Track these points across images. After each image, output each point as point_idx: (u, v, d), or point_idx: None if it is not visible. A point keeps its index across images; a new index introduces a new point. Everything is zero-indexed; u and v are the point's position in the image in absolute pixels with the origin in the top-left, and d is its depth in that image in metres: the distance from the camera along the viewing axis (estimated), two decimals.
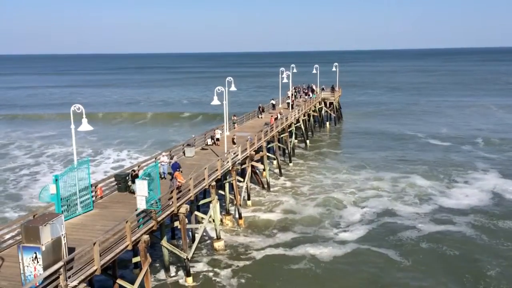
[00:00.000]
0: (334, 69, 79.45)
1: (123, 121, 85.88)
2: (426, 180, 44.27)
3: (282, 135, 50.41)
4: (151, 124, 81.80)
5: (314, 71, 75.28)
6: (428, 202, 38.56)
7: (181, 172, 27.34)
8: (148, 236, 21.10)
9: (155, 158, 32.42)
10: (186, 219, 25.36)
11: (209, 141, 40.45)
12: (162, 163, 29.78)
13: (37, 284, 15.14)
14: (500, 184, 42.84)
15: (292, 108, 58.30)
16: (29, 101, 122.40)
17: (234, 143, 39.39)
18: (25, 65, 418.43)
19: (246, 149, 36.89)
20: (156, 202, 21.59)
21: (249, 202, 38.12)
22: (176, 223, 26.70)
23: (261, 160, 42.53)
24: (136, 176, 25.50)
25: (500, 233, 32.16)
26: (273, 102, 63.80)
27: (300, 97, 73.05)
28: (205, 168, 28.60)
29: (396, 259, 28.49)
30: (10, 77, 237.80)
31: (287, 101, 62.97)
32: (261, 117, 56.55)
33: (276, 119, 49.96)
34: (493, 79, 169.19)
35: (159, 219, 22.41)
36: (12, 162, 55.36)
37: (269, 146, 45.33)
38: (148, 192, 21.15)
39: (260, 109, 59.01)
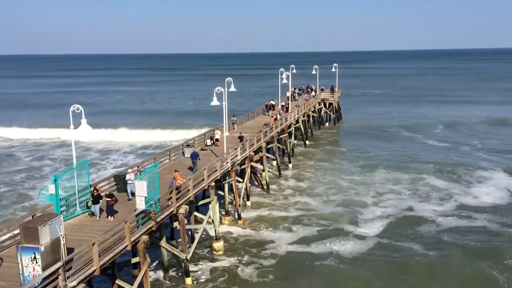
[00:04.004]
0: (333, 69, 79.44)
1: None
2: (436, 178, 44.67)
3: (281, 136, 50.45)
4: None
5: (314, 72, 75.31)
6: (444, 199, 39.11)
7: (199, 159, 31.90)
8: (147, 236, 21.10)
9: (154, 159, 32.44)
10: (186, 220, 25.37)
11: (209, 142, 40.47)
12: (129, 182, 25.86)
13: (36, 285, 15.13)
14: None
15: (287, 110, 58.46)
16: (31, 101, 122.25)
17: (241, 140, 39.35)
18: (19, 66, 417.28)
19: (245, 149, 36.89)
20: (155, 203, 21.58)
21: (248, 203, 38.11)
22: (176, 224, 26.69)
23: (260, 161, 42.52)
24: (99, 196, 22.63)
25: None
26: (273, 102, 63.80)
27: (308, 94, 73.47)
28: (204, 169, 28.60)
29: (419, 252, 29.10)
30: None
31: (281, 103, 63.04)
32: (268, 115, 57.20)
33: (275, 119, 50.00)
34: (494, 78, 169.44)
35: (158, 219, 22.41)
36: (22, 164, 55.11)
37: (268, 146, 45.32)
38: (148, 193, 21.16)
39: (267, 107, 59.88)
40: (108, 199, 22.66)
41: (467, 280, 25.75)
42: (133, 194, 25.25)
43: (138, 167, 29.94)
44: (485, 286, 25.22)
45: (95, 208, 22.58)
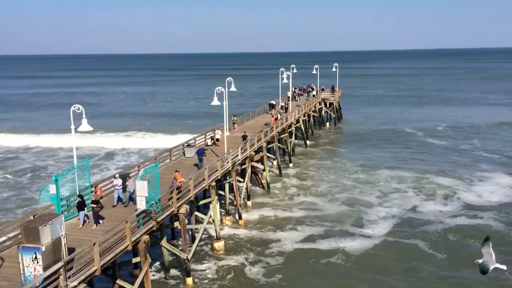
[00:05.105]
0: (334, 69, 79.42)
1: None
2: (439, 177, 44.75)
3: (282, 136, 50.47)
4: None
5: (314, 72, 75.30)
6: (448, 197, 39.30)
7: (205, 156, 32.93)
8: (148, 236, 21.11)
9: (155, 159, 32.46)
10: (186, 220, 25.38)
11: (209, 142, 40.50)
12: (116, 187, 24.78)
13: (37, 285, 15.15)
14: None
15: (286, 111, 58.38)
16: (32, 102, 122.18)
17: (244, 139, 39.35)
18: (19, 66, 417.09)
19: (246, 149, 36.90)
20: (156, 203, 21.59)
21: (249, 203, 38.11)
22: (176, 224, 26.72)
23: (261, 161, 42.54)
24: (83, 203, 21.63)
25: None
26: (273, 102, 63.78)
27: (308, 93, 73.62)
28: (205, 169, 28.62)
29: (426, 250, 29.26)
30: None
31: (281, 103, 62.92)
32: (271, 114, 57.35)
33: (276, 119, 50.04)
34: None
35: (159, 219, 22.42)
36: (27, 165, 55.01)
37: (269, 146, 45.34)
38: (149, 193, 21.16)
39: (270, 106, 60.18)
40: (93, 205, 21.65)
41: (474, 279, 25.79)
42: (119, 199, 24.75)
43: (138, 167, 29.97)
44: (493, 285, 25.25)
45: (80, 215, 21.70)
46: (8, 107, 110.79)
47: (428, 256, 28.61)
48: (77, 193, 22.76)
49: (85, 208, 21.81)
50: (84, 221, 21.83)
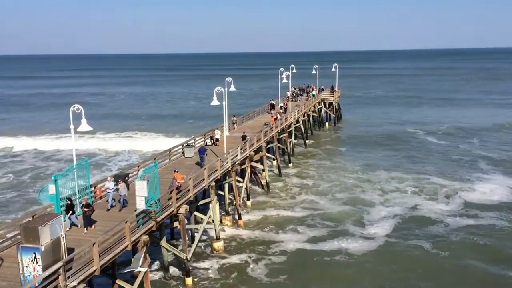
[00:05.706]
0: (333, 69, 79.40)
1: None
2: (440, 177, 44.87)
3: (281, 136, 50.48)
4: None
5: (314, 72, 75.28)
6: (449, 196, 39.42)
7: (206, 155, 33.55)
8: (147, 236, 21.11)
9: (154, 159, 32.45)
10: (186, 220, 25.38)
11: (209, 142, 40.50)
12: (108, 190, 24.16)
13: (36, 285, 15.14)
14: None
15: (285, 111, 58.34)
16: (33, 102, 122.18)
17: (244, 138, 39.38)
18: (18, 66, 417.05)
19: (245, 149, 36.89)
20: (156, 203, 21.59)
21: (248, 203, 38.10)
22: (176, 224, 26.71)
23: (260, 161, 42.53)
24: (71, 206, 21.19)
25: None
26: (273, 102, 63.76)
27: (308, 93, 73.65)
28: (204, 169, 28.62)
29: (429, 250, 29.35)
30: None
31: (280, 104, 62.84)
32: (270, 113, 57.34)
33: (276, 119, 50.03)
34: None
35: (158, 219, 22.42)
36: (28, 166, 54.93)
37: (268, 146, 45.32)
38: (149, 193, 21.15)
39: (271, 106, 60.31)
40: (85, 209, 21.22)
41: (475, 278, 25.90)
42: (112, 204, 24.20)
43: (138, 167, 29.97)
44: (496, 284, 25.32)
45: (73, 219, 21.27)
46: (8, 107, 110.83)
47: (430, 256, 28.61)
48: (77, 193, 22.77)
49: (71, 211, 21.19)
50: (73, 224, 21.38)
